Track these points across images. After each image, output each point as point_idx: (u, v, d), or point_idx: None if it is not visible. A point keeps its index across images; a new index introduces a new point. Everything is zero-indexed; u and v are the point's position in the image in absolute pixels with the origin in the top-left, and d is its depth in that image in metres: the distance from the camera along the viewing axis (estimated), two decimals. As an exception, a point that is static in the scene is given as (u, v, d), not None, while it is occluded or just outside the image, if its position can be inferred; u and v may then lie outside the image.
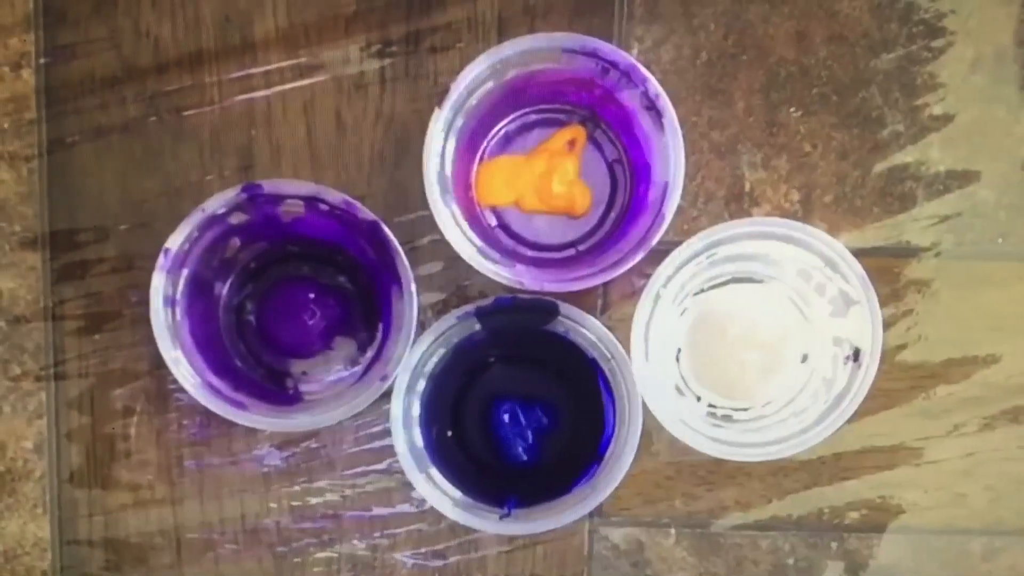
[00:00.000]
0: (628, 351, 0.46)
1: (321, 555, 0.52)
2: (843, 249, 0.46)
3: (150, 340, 0.45)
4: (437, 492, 0.47)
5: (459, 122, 0.46)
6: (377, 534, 0.52)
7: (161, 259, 0.45)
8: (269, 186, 0.45)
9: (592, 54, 0.45)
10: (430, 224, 0.45)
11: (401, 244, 0.45)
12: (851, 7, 0.50)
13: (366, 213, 0.45)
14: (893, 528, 0.52)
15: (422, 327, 0.46)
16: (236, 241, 0.48)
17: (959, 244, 0.51)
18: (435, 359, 0.47)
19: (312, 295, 0.50)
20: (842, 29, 0.50)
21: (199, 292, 0.47)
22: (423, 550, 0.52)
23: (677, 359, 0.51)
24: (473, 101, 0.46)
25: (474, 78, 0.45)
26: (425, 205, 0.44)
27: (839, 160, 0.50)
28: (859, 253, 0.46)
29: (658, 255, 0.45)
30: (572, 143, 0.49)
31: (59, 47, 0.50)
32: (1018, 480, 0.52)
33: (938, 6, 0.50)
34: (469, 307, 0.46)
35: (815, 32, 0.50)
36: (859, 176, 0.50)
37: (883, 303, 0.47)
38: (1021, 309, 0.51)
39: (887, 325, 0.49)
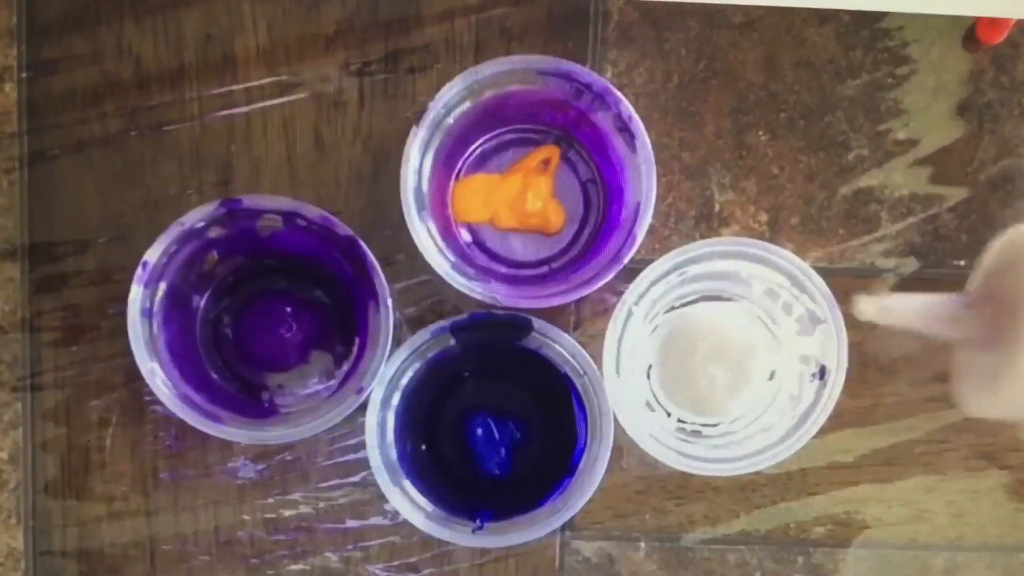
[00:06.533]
0: (600, 367, 0.46)
1: (294, 567, 0.52)
2: (809, 269, 0.46)
3: (127, 352, 0.45)
4: (410, 505, 0.47)
5: (436, 140, 0.46)
6: (350, 546, 0.52)
7: (139, 272, 0.45)
8: (248, 201, 0.45)
9: (567, 76, 0.45)
10: (406, 240, 0.45)
11: (378, 260, 0.45)
12: (818, 34, 0.51)
13: (343, 229, 0.45)
14: (858, 543, 0.53)
15: (397, 342, 0.47)
16: (214, 255, 0.48)
17: (921, 266, 0.52)
18: (410, 373, 0.47)
19: (289, 309, 0.51)
20: (809, 55, 0.51)
21: (176, 305, 0.48)
22: (396, 563, 0.52)
23: (648, 375, 0.51)
24: (450, 120, 0.46)
25: (451, 98, 0.45)
26: (402, 222, 0.45)
27: (806, 183, 0.51)
28: (825, 273, 0.47)
29: (630, 273, 0.46)
30: (546, 163, 0.50)
31: (42, 61, 0.50)
32: (979, 497, 0.53)
33: (902, 35, 0.51)
34: (444, 322, 0.47)
35: (783, 58, 0.51)
36: (825, 198, 0.51)
37: (848, 322, 0.47)
38: (981, 329, 0.52)
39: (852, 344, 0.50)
